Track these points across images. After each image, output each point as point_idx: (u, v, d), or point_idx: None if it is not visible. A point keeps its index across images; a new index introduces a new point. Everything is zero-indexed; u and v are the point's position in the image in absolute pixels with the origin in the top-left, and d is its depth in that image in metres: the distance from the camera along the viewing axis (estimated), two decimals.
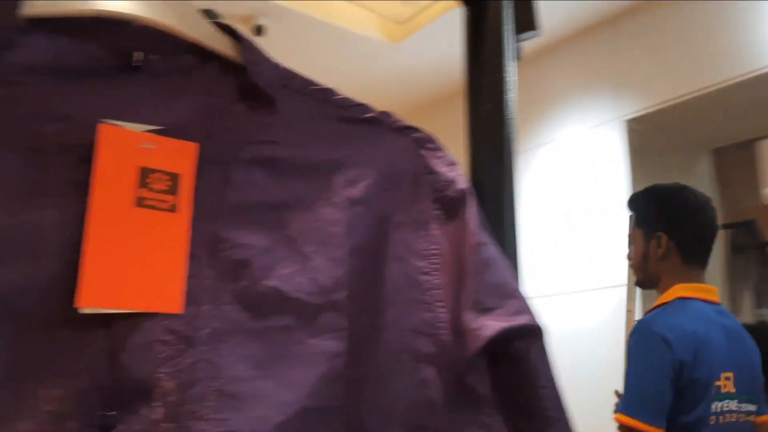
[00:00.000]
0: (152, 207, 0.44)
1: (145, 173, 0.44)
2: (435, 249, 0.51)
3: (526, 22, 1.40)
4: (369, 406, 0.47)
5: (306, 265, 0.47)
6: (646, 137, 2.57)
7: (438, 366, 0.49)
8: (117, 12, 0.45)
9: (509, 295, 0.50)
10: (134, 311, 0.42)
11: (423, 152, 0.53)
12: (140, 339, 0.41)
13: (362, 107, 0.53)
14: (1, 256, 0.40)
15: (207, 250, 0.44)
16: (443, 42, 2.15)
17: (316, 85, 0.51)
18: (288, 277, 0.46)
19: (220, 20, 0.51)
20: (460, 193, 0.52)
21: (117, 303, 0.41)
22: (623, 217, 2.42)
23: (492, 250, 0.51)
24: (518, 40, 1.42)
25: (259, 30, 2.63)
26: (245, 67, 0.48)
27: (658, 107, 2.46)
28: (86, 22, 0.45)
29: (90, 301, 0.41)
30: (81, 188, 0.42)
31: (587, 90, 2.71)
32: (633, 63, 2.56)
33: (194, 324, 0.43)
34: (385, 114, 0.53)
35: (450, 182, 0.52)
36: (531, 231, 2.73)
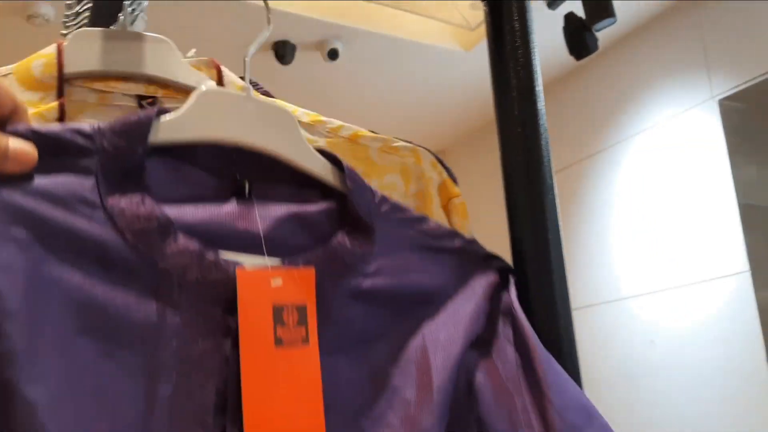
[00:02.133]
0: (290, 344, 0.46)
1: (278, 311, 0.46)
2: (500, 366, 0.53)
3: (601, 9, 1.32)
4: None
5: (397, 399, 0.49)
6: (744, 115, 2.43)
7: None
8: (229, 138, 0.48)
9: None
10: None
11: (505, 291, 0.55)
12: None
13: (451, 236, 0.55)
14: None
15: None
16: None
17: (407, 211, 0.54)
18: (386, 417, 0.49)
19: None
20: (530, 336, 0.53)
21: None
22: (729, 198, 2.29)
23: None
24: (595, 30, 1.36)
25: (333, 54, 2.68)
26: (346, 195, 0.51)
27: (754, 82, 2.32)
28: (200, 148, 0.48)
29: None
30: (225, 331, 0.44)
31: (675, 73, 2.57)
32: (722, 39, 2.43)
33: None
34: (471, 242, 0.56)
35: (522, 323, 0.54)
36: (633, 226, 2.67)
